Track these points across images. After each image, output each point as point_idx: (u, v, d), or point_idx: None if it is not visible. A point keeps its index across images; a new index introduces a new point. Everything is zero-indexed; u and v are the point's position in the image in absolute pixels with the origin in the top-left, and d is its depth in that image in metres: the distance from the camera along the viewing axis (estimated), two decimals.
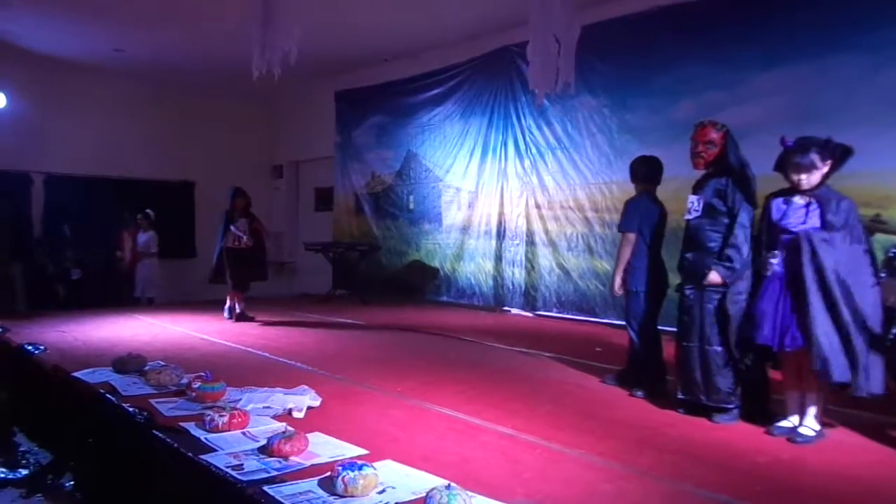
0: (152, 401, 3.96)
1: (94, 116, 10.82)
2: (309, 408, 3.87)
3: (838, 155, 3.51)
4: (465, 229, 9.25)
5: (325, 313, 8.33)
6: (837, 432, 3.66)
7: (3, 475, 4.42)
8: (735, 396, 3.79)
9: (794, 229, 3.51)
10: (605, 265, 7.38)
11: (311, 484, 2.72)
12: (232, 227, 7.46)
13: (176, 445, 3.24)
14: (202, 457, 3.04)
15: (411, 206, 10.15)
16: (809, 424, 3.52)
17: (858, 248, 3.44)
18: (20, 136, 9.87)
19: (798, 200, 3.54)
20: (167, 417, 3.66)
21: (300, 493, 2.63)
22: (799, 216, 3.52)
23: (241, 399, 3.89)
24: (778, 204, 3.62)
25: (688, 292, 3.96)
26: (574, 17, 4.40)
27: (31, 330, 6.59)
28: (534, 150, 8.31)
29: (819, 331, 3.34)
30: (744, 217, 3.78)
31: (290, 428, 3.23)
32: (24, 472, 4.48)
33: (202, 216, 11.74)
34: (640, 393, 4.38)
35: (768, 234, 3.67)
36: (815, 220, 3.48)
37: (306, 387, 4.25)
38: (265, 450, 3.07)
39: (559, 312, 8.00)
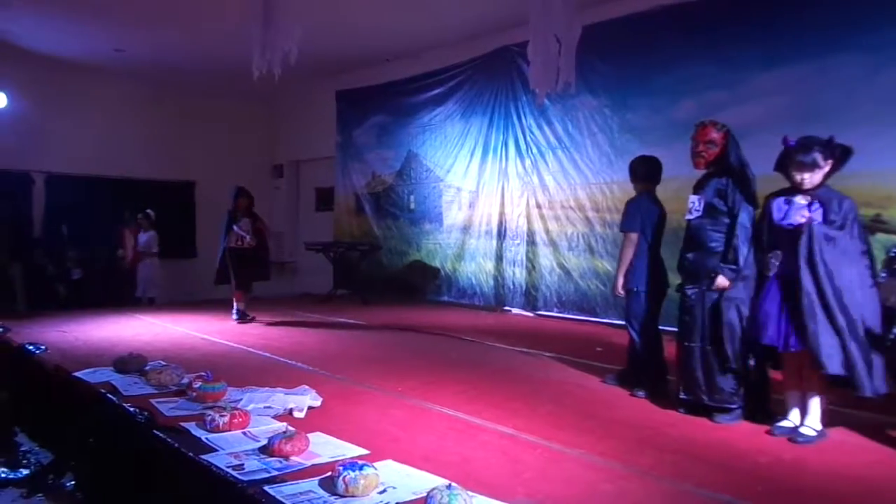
0: (153, 401, 3.97)
1: (94, 116, 10.83)
2: (310, 408, 3.87)
3: (838, 155, 3.51)
4: (465, 229, 9.25)
5: (325, 313, 8.33)
6: (838, 432, 3.65)
7: (4, 475, 4.42)
8: (738, 396, 3.79)
9: (798, 223, 3.49)
10: (606, 265, 7.38)
11: (311, 484, 2.72)
12: (235, 227, 7.45)
13: (177, 445, 3.24)
14: (203, 457, 3.04)
15: (412, 205, 10.15)
16: (811, 424, 3.52)
17: (858, 249, 3.44)
18: (21, 135, 9.88)
19: (800, 200, 3.53)
20: (168, 417, 3.66)
21: (301, 493, 2.63)
22: (802, 215, 3.51)
23: (241, 399, 3.89)
24: (779, 204, 3.62)
25: (689, 292, 3.96)
26: (575, 16, 4.40)
27: (32, 330, 6.60)
28: (534, 150, 8.31)
29: (819, 328, 3.33)
30: (744, 217, 3.78)
31: (290, 428, 3.23)
32: (25, 471, 4.48)
33: (203, 216, 11.76)
34: (641, 393, 4.37)
35: (769, 235, 3.67)
36: (818, 219, 3.48)
37: (307, 387, 4.25)
38: (266, 450, 3.07)
39: (560, 312, 8.00)
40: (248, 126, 12.54)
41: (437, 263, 9.66)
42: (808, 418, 3.54)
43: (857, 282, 3.39)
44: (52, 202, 10.49)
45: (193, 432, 3.38)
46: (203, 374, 4.21)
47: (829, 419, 3.61)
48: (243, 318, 7.48)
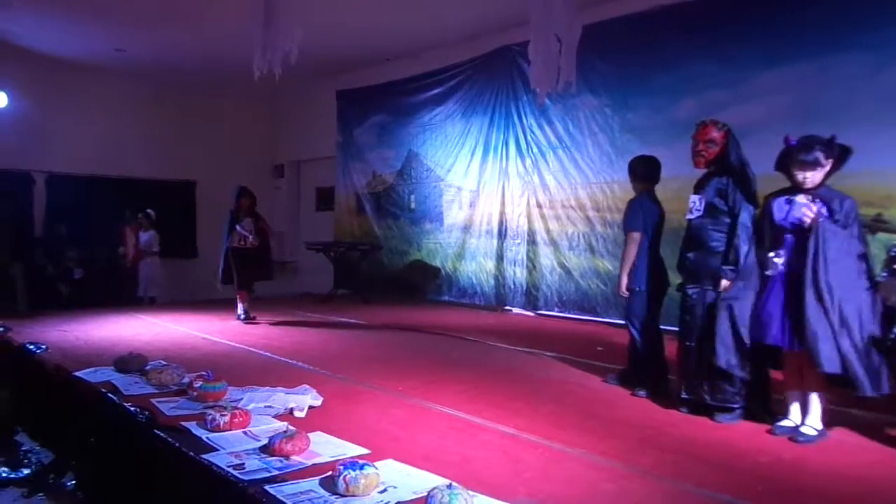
0: (154, 400, 3.97)
1: (95, 116, 10.83)
2: (310, 407, 3.87)
3: (838, 154, 3.51)
4: (466, 229, 9.25)
5: (326, 313, 8.33)
6: (838, 432, 3.65)
7: (5, 475, 4.42)
8: (740, 396, 3.79)
9: (803, 220, 3.47)
10: (607, 264, 7.38)
11: (312, 483, 2.73)
12: (237, 227, 7.43)
13: (177, 445, 3.24)
14: (203, 456, 3.04)
15: (412, 205, 10.15)
16: (812, 424, 3.52)
17: (858, 250, 3.43)
18: (21, 135, 9.90)
19: (801, 199, 3.53)
20: (168, 417, 3.66)
21: (301, 493, 2.63)
22: (809, 212, 3.49)
23: (242, 398, 3.89)
24: (780, 203, 3.61)
25: (690, 292, 3.96)
26: (575, 16, 4.41)
27: (33, 329, 6.60)
28: (535, 150, 8.31)
29: (818, 327, 3.33)
30: (745, 217, 3.78)
31: (291, 427, 3.23)
32: (26, 471, 4.48)
33: (203, 216, 11.76)
34: (642, 392, 4.37)
35: (770, 235, 3.66)
36: (826, 215, 3.47)
37: (308, 386, 4.25)
38: (266, 449, 3.07)
39: (560, 312, 8.00)
40: (249, 126, 12.55)
41: (437, 263, 9.66)
42: (809, 418, 3.54)
43: (857, 282, 3.39)
44: (53, 202, 10.50)
45: (194, 432, 3.38)
46: (204, 373, 4.21)
47: (829, 419, 3.61)
48: (248, 318, 7.48)
